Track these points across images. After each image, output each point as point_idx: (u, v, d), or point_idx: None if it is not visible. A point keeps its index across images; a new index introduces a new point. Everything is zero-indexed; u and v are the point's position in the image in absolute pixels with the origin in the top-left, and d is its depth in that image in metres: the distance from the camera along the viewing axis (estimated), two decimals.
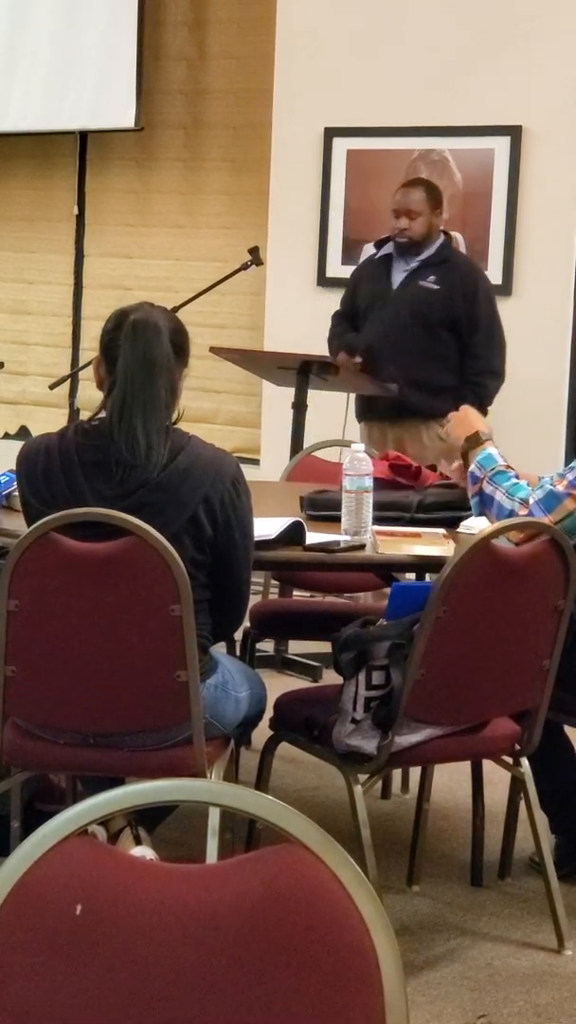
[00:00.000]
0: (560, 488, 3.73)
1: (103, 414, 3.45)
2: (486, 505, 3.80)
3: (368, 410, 6.34)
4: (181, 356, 3.48)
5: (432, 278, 6.18)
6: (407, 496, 4.21)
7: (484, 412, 6.11)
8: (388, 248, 6.33)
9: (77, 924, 1.50)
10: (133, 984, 1.49)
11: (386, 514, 4.04)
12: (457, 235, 7.06)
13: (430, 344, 6.12)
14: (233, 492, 3.42)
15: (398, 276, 6.26)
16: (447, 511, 4.15)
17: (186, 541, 3.36)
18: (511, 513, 3.74)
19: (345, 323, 6.40)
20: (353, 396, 6.38)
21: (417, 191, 6.25)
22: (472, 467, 3.87)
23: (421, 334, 6.13)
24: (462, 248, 7.05)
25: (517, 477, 3.83)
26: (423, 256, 6.22)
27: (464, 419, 4.01)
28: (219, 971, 1.48)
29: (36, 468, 3.43)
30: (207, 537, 3.40)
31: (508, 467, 3.86)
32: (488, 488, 3.81)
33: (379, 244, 6.44)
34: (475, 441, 3.91)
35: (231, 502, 3.41)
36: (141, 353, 3.37)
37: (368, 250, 7.18)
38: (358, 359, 6.17)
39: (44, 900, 1.51)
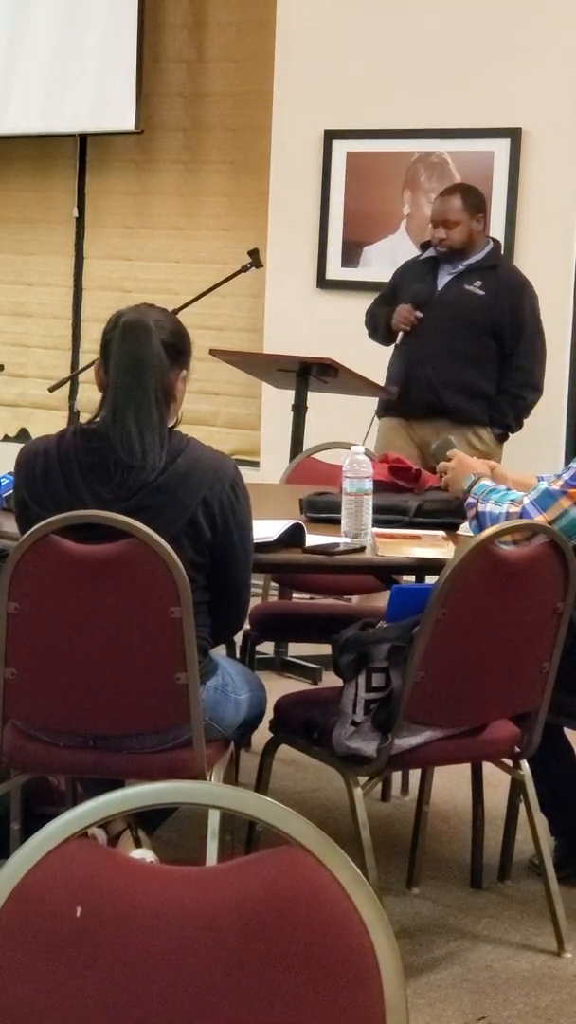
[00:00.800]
0: (556, 487, 3.75)
1: (102, 415, 3.45)
2: (482, 523, 3.82)
3: (396, 405, 6.23)
4: (178, 358, 3.48)
5: (478, 283, 6.10)
6: (406, 500, 4.21)
7: (520, 426, 6.11)
8: (432, 251, 6.25)
9: (77, 926, 1.50)
10: (133, 986, 1.49)
11: (384, 517, 4.04)
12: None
13: (472, 348, 6.05)
14: (232, 495, 3.42)
15: (443, 279, 6.18)
16: (445, 517, 4.15)
17: (185, 543, 3.36)
18: (504, 515, 3.75)
19: (385, 306, 6.34)
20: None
21: (453, 199, 6.13)
22: (468, 500, 3.92)
23: (464, 337, 6.06)
24: None
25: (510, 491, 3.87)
26: (470, 261, 6.14)
27: (460, 466, 4.06)
28: (219, 973, 1.48)
29: (35, 471, 3.43)
30: (206, 539, 3.40)
31: (507, 487, 3.90)
32: (481, 506, 3.85)
33: (424, 246, 6.37)
34: (471, 482, 3.97)
35: (230, 504, 3.41)
36: (130, 355, 3.38)
37: (367, 253, 7.19)
38: (419, 313, 6.12)
39: (44, 902, 1.51)
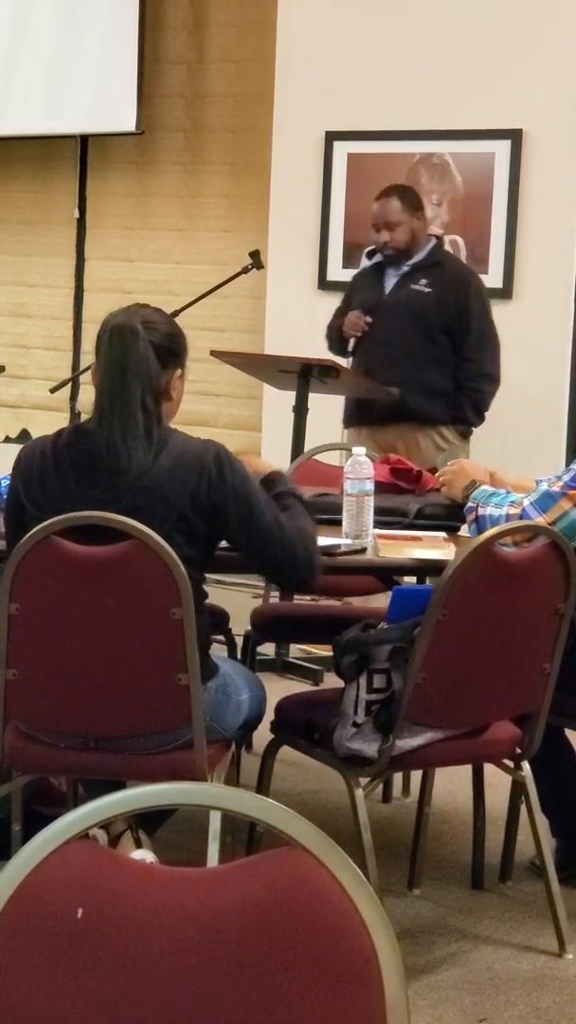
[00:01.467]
0: (556, 488, 3.75)
1: (91, 417, 3.46)
2: (482, 526, 3.83)
3: (358, 415, 6.26)
4: (171, 358, 3.47)
5: (424, 281, 6.11)
6: (407, 503, 4.21)
7: (481, 418, 6.10)
8: (379, 256, 6.27)
9: (78, 928, 1.50)
10: (134, 987, 1.49)
11: (384, 519, 4.04)
12: (458, 239, 7.07)
13: (425, 347, 6.05)
14: (218, 477, 3.38)
15: (390, 282, 6.19)
16: (446, 520, 4.15)
17: (178, 539, 3.35)
18: (505, 518, 3.76)
19: (342, 318, 6.34)
20: (342, 401, 6.31)
21: (392, 201, 6.13)
22: (468, 504, 3.92)
23: (416, 337, 6.06)
24: (463, 252, 7.06)
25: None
26: (414, 260, 6.14)
27: (460, 471, 4.08)
28: (220, 974, 1.48)
29: (31, 472, 3.43)
30: (200, 532, 3.39)
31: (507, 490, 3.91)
32: (481, 510, 3.86)
33: (370, 254, 6.37)
34: (472, 489, 3.97)
35: (218, 488, 3.38)
36: (115, 358, 3.39)
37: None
38: (368, 319, 6.11)
39: (45, 904, 1.51)
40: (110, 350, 3.39)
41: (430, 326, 6.06)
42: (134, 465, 3.34)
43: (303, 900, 1.51)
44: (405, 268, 6.14)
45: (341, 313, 6.32)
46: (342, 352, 6.22)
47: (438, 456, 5.83)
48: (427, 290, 6.09)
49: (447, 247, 7.04)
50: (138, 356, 3.37)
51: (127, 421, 3.35)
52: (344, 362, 6.12)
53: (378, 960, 1.51)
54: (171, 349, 3.48)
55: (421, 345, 6.05)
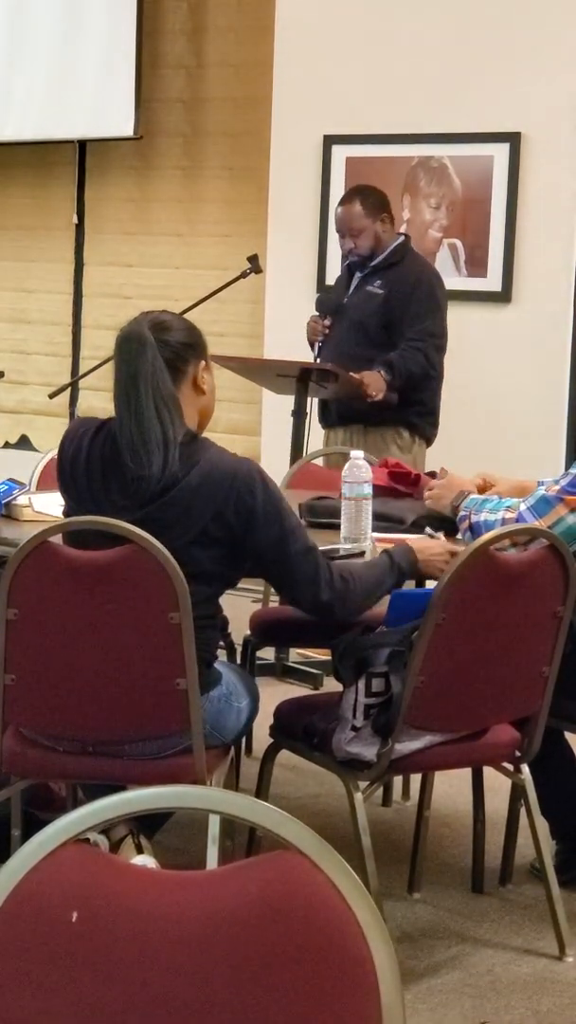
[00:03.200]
0: (552, 493, 3.75)
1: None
2: (477, 532, 3.83)
3: (324, 416, 6.24)
4: (190, 352, 3.46)
5: (378, 282, 6.04)
6: (403, 511, 4.20)
7: (427, 376, 5.97)
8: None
9: (73, 932, 1.50)
10: (129, 992, 1.49)
11: (381, 524, 4.04)
12: (457, 242, 7.06)
13: (369, 350, 5.94)
14: (248, 495, 3.36)
15: (354, 283, 6.17)
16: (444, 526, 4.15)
17: (197, 554, 3.34)
18: (501, 522, 3.76)
19: None
20: (317, 403, 6.28)
21: (353, 206, 6.05)
22: (460, 514, 3.92)
23: (362, 339, 5.98)
24: (461, 256, 7.06)
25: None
26: (375, 261, 6.08)
27: (448, 485, 4.09)
28: (215, 978, 1.48)
29: (67, 453, 3.46)
30: (223, 550, 3.38)
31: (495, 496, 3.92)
32: (474, 517, 3.86)
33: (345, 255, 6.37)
34: (461, 499, 3.97)
35: (248, 510, 3.36)
36: (124, 368, 3.38)
37: None
38: (327, 322, 6.09)
39: (40, 908, 1.51)
40: (120, 359, 3.39)
41: (376, 328, 5.97)
42: (154, 470, 3.33)
43: (298, 903, 1.51)
44: (367, 270, 6.11)
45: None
46: (313, 354, 6.21)
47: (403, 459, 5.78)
48: (379, 291, 6.02)
49: (445, 250, 7.05)
50: (145, 364, 3.36)
51: (144, 427, 3.34)
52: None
53: (374, 963, 1.51)
54: (189, 343, 3.47)
55: (365, 348, 5.95)
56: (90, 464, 3.42)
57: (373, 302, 6.01)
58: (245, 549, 3.41)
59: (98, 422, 3.49)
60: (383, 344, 5.95)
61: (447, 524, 4.12)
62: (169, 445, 3.35)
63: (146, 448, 3.34)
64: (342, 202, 6.15)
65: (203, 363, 3.51)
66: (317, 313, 6.16)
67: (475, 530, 3.84)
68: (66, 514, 3.53)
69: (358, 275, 6.15)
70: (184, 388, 3.46)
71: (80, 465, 3.43)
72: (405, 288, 5.99)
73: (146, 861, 3.59)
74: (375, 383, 5.79)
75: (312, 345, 6.15)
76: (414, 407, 6.02)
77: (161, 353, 3.38)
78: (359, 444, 5.91)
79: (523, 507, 3.78)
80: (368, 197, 6.10)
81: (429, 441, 6.13)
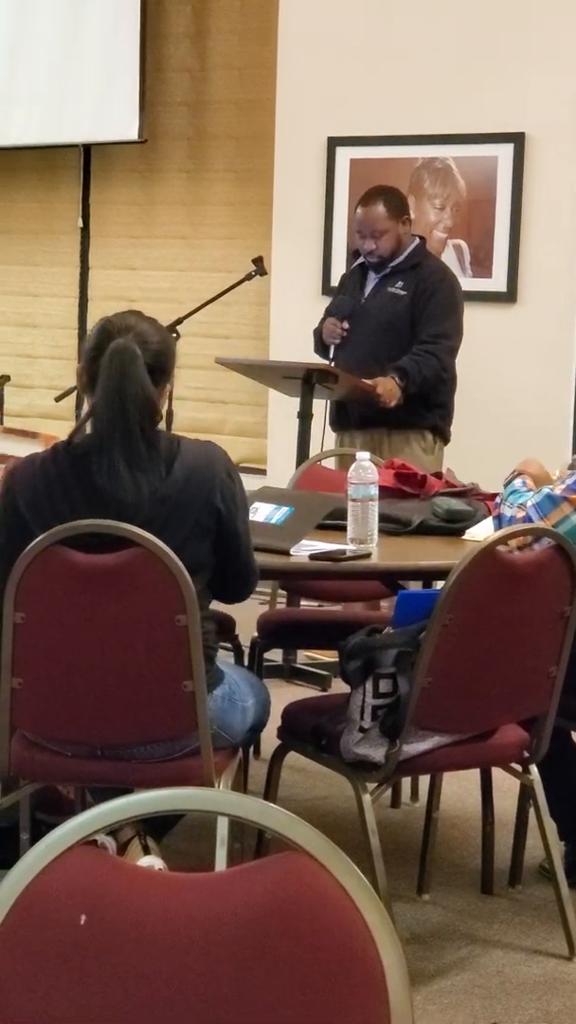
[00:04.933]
0: (557, 492, 3.75)
1: (87, 439, 3.41)
2: (500, 525, 3.84)
3: (338, 420, 6.21)
4: (160, 377, 3.44)
5: (400, 284, 6.01)
6: (409, 514, 4.20)
7: (442, 379, 5.96)
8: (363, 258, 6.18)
9: (81, 934, 1.50)
10: (137, 994, 1.49)
11: (386, 527, 4.03)
12: (462, 243, 7.06)
13: (396, 352, 5.91)
14: (228, 478, 3.43)
15: (370, 285, 6.13)
16: (451, 525, 4.15)
17: (193, 547, 3.36)
18: (512, 520, 3.76)
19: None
20: (330, 405, 6.26)
21: (376, 207, 6.01)
22: (496, 499, 3.94)
23: (389, 341, 5.95)
24: (466, 256, 7.06)
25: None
26: (395, 263, 6.05)
27: (533, 463, 4.09)
28: (222, 980, 1.48)
29: (38, 490, 3.38)
30: (212, 537, 3.41)
31: (530, 489, 3.90)
32: (503, 509, 3.87)
33: (355, 254, 6.30)
34: (510, 478, 3.99)
35: (230, 496, 3.42)
36: (114, 385, 3.32)
37: None
38: (345, 324, 6.08)
39: (48, 910, 1.51)
40: (109, 375, 3.32)
41: (404, 329, 5.95)
42: (142, 492, 3.32)
43: (306, 905, 1.50)
44: (386, 271, 6.09)
45: (329, 314, 6.30)
46: (325, 357, 6.18)
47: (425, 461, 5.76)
48: (402, 292, 5.99)
49: (450, 251, 7.05)
50: (136, 383, 3.32)
51: (131, 451, 3.32)
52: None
53: (383, 965, 1.50)
54: (163, 369, 3.45)
55: (392, 350, 5.92)
56: (67, 490, 3.36)
57: (399, 304, 5.99)
58: (226, 532, 3.43)
59: (45, 457, 3.42)
60: (409, 346, 5.92)
61: (452, 531, 4.13)
62: (156, 459, 3.34)
63: (132, 474, 3.31)
64: (364, 203, 6.11)
65: (168, 386, 3.51)
66: (333, 316, 6.13)
67: (499, 523, 3.85)
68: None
69: (374, 276, 6.13)
70: None
71: (57, 496, 3.35)
72: (427, 288, 5.98)
73: (153, 862, 3.59)
74: (389, 391, 5.76)
75: (327, 348, 6.12)
76: (436, 410, 6.02)
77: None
78: (382, 447, 5.91)
79: (529, 503, 3.78)
80: (391, 199, 6.08)
81: (447, 441, 6.14)
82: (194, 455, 3.41)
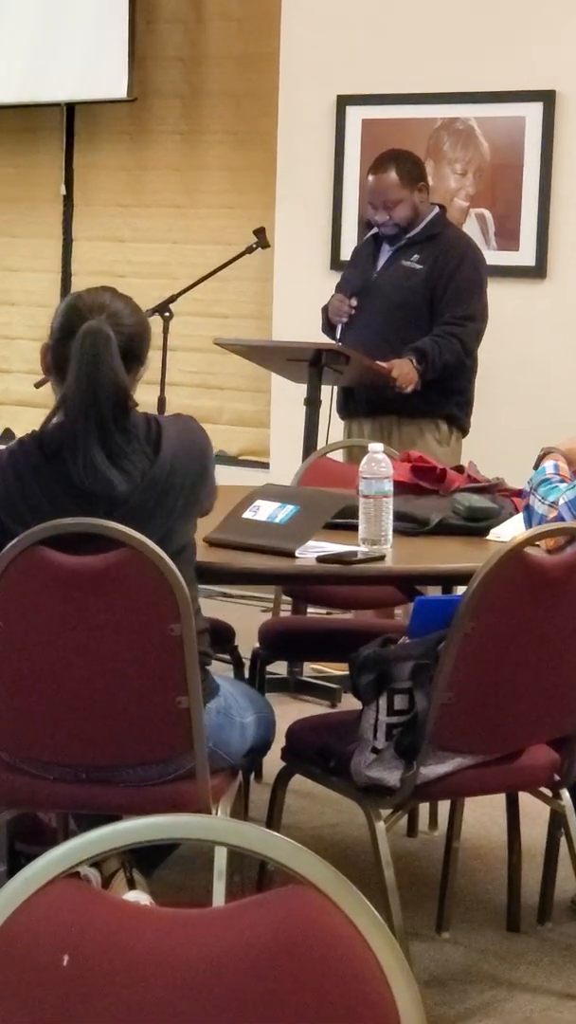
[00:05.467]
0: None
1: (58, 430, 3.42)
2: (529, 518, 3.84)
3: (345, 406, 6.23)
4: (136, 362, 3.45)
5: (416, 257, 6.00)
6: (427, 511, 4.20)
7: (463, 365, 5.96)
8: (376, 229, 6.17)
9: (65, 976, 1.50)
10: None
11: (401, 526, 4.04)
12: (486, 212, 7.06)
13: (412, 332, 5.91)
14: (208, 451, 3.51)
15: (383, 258, 6.13)
16: (466, 535, 4.16)
17: (178, 529, 3.38)
18: (542, 518, 3.76)
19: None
20: (336, 390, 6.25)
21: (388, 174, 5.99)
22: (526, 487, 3.94)
23: (402, 320, 5.96)
24: (490, 227, 7.06)
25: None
26: (411, 234, 6.05)
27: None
28: None
29: (11, 489, 3.40)
30: (194, 515, 3.46)
31: (563, 478, 3.89)
32: (531, 499, 3.87)
33: (368, 224, 6.30)
34: (543, 457, 3.99)
35: (208, 464, 3.50)
36: (87, 375, 3.32)
37: None
38: (353, 301, 6.07)
39: (28, 950, 1.51)
40: (80, 361, 3.32)
41: (418, 306, 5.95)
42: (124, 480, 3.33)
43: (313, 944, 1.51)
44: (401, 243, 6.07)
45: (339, 290, 6.29)
46: (332, 337, 6.19)
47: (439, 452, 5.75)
48: (418, 266, 5.98)
49: (473, 221, 7.05)
50: (109, 371, 3.32)
51: (108, 444, 3.32)
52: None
53: (397, 1011, 1.50)
54: (136, 353, 3.46)
55: (406, 329, 5.93)
56: (43, 485, 3.36)
57: (414, 279, 5.98)
58: (201, 506, 3.50)
59: (13, 450, 3.44)
60: (425, 326, 5.93)
61: (475, 531, 4.13)
62: (136, 447, 3.35)
63: (113, 462, 3.32)
64: (374, 170, 6.10)
65: (140, 370, 3.52)
66: (339, 292, 6.13)
67: (528, 515, 3.86)
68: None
69: (388, 249, 6.12)
70: None
71: (32, 490, 3.36)
72: (450, 263, 5.97)
73: (139, 897, 3.59)
74: (406, 375, 5.75)
75: (334, 328, 6.13)
76: (453, 397, 6.02)
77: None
78: (392, 437, 5.90)
79: (562, 502, 3.78)
80: (404, 164, 6.06)
81: (465, 432, 6.13)
82: (177, 432, 3.43)
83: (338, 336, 6.09)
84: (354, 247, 6.58)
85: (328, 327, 6.19)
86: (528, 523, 3.87)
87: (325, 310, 6.22)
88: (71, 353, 3.34)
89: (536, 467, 4.02)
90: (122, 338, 3.37)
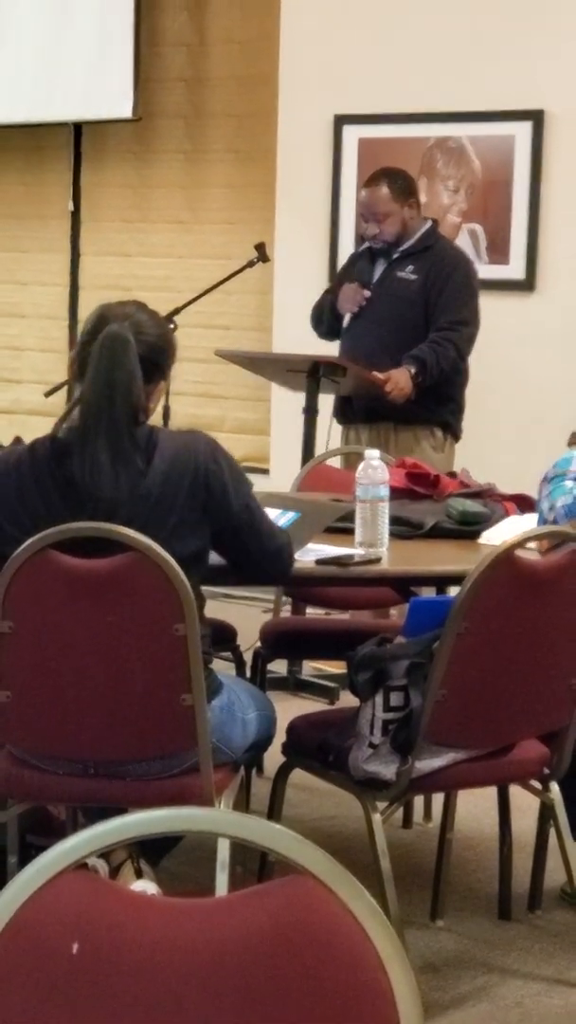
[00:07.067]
0: None
1: (71, 430, 3.42)
2: (539, 518, 3.83)
3: (342, 412, 6.21)
4: (156, 373, 3.46)
5: (411, 267, 6.00)
6: (422, 515, 4.20)
7: (457, 371, 5.95)
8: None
9: (74, 964, 1.49)
10: None
11: (397, 529, 4.03)
12: (477, 227, 7.06)
13: (407, 340, 5.90)
14: (214, 464, 3.42)
15: (378, 269, 6.12)
16: (466, 527, 4.15)
17: (180, 540, 3.36)
18: (543, 519, 3.76)
19: (329, 296, 6.27)
20: (335, 398, 6.24)
21: (380, 189, 6.01)
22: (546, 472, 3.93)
23: (398, 330, 5.95)
24: (482, 242, 7.06)
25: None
26: (404, 247, 6.04)
27: None
28: (224, 1012, 1.48)
29: (8, 489, 3.41)
30: (200, 527, 3.42)
31: None
32: (542, 490, 3.85)
33: (362, 238, 6.28)
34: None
35: (216, 474, 3.42)
36: (103, 374, 3.33)
37: None
38: (367, 292, 6.08)
39: (39, 939, 1.51)
40: (99, 362, 3.35)
41: (414, 317, 5.94)
42: (120, 487, 3.33)
43: (312, 932, 1.50)
44: (395, 255, 6.06)
45: (330, 293, 6.27)
46: (331, 331, 6.16)
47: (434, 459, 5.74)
48: (413, 276, 5.98)
49: (465, 236, 7.05)
50: (125, 372, 3.34)
51: (115, 444, 3.33)
52: (331, 347, 6.06)
53: (394, 996, 1.50)
54: (157, 363, 3.47)
55: (401, 339, 5.90)
56: (42, 489, 3.36)
57: (409, 288, 5.98)
58: (224, 518, 3.44)
59: (22, 450, 3.47)
60: (422, 333, 5.92)
61: (468, 534, 4.13)
62: (138, 453, 3.35)
63: (114, 468, 3.31)
64: (367, 185, 6.12)
65: (163, 384, 3.52)
66: (355, 284, 6.09)
67: (540, 510, 3.85)
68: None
69: (382, 262, 6.12)
70: None
71: (31, 495, 3.37)
72: (443, 271, 5.98)
73: (146, 887, 3.59)
74: (400, 389, 5.73)
75: (339, 319, 6.10)
76: (448, 404, 6.02)
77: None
78: (388, 444, 5.90)
79: (559, 504, 3.76)
80: (395, 180, 6.07)
81: (457, 438, 6.13)
82: (173, 447, 3.41)
83: (345, 325, 6.07)
84: (350, 255, 6.56)
85: (331, 320, 6.14)
86: (541, 520, 3.87)
87: (318, 307, 6.21)
88: (91, 354, 3.36)
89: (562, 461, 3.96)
90: (142, 346, 3.38)
